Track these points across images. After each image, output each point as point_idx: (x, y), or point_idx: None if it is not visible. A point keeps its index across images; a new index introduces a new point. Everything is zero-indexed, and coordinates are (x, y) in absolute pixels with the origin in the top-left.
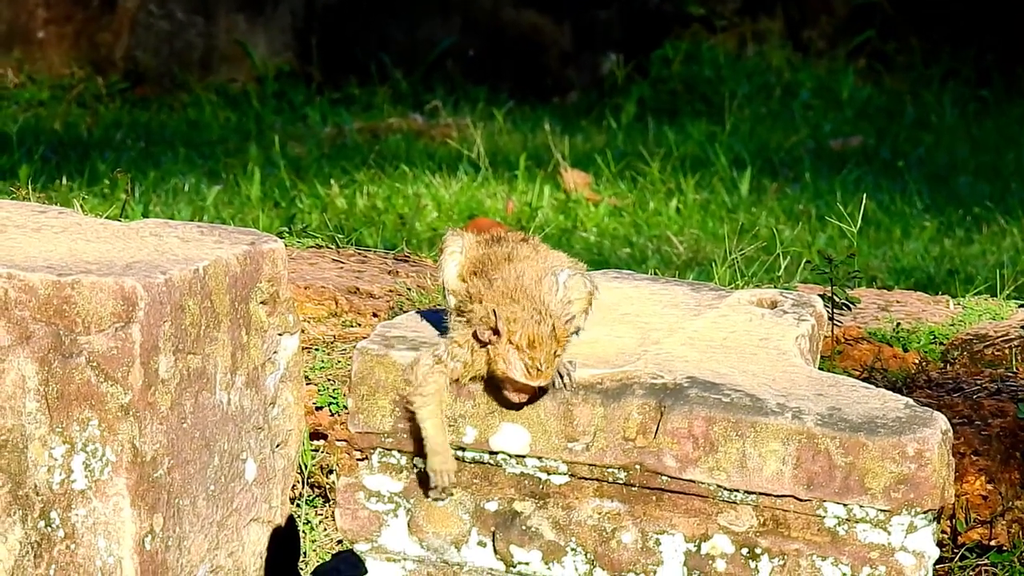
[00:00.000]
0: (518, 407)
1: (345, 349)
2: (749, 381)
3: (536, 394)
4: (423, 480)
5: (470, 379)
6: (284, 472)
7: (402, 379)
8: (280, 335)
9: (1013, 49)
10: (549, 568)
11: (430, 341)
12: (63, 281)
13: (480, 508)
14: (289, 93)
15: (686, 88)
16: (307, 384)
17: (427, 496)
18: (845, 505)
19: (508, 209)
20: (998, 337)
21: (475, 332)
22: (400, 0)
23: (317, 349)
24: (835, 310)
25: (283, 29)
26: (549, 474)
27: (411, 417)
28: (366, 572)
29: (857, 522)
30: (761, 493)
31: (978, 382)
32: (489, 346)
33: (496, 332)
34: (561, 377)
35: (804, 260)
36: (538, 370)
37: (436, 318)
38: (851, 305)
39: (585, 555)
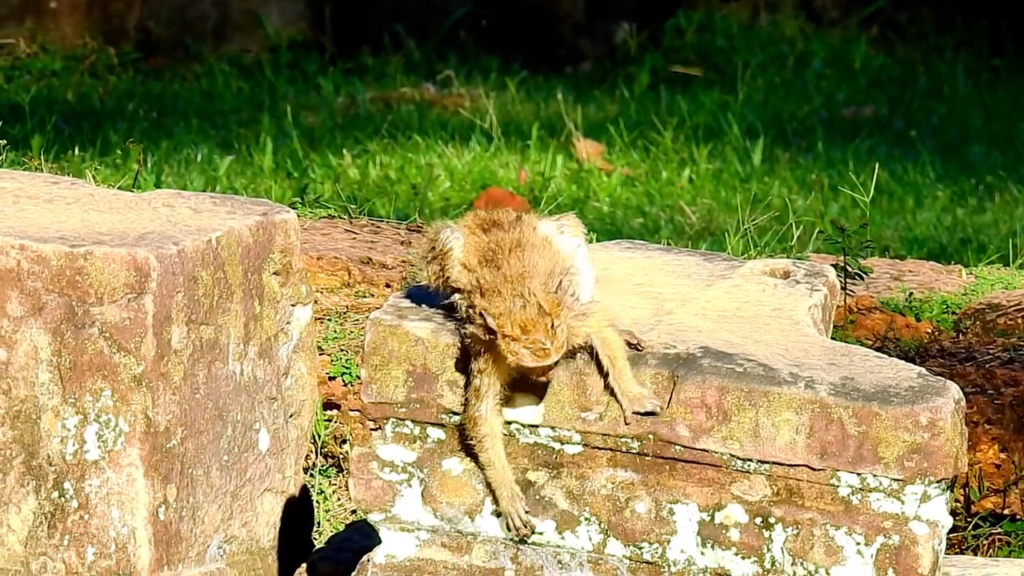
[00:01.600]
0: (545, 381)
1: (358, 319)
2: (762, 351)
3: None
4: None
5: (513, 379)
6: (297, 442)
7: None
8: (293, 306)
9: None
10: (563, 537)
11: (443, 313)
12: (76, 252)
13: None
14: (302, 63)
15: (699, 57)
16: (320, 354)
17: (510, 539)
18: (859, 474)
19: (520, 179)
20: (1011, 306)
21: (478, 337)
22: None
23: (330, 319)
24: (848, 280)
25: None
26: (562, 444)
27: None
28: (380, 542)
29: (871, 491)
30: (774, 463)
31: (991, 351)
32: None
33: (492, 332)
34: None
35: (817, 230)
36: (543, 349)
37: None
38: (864, 275)
39: (599, 524)
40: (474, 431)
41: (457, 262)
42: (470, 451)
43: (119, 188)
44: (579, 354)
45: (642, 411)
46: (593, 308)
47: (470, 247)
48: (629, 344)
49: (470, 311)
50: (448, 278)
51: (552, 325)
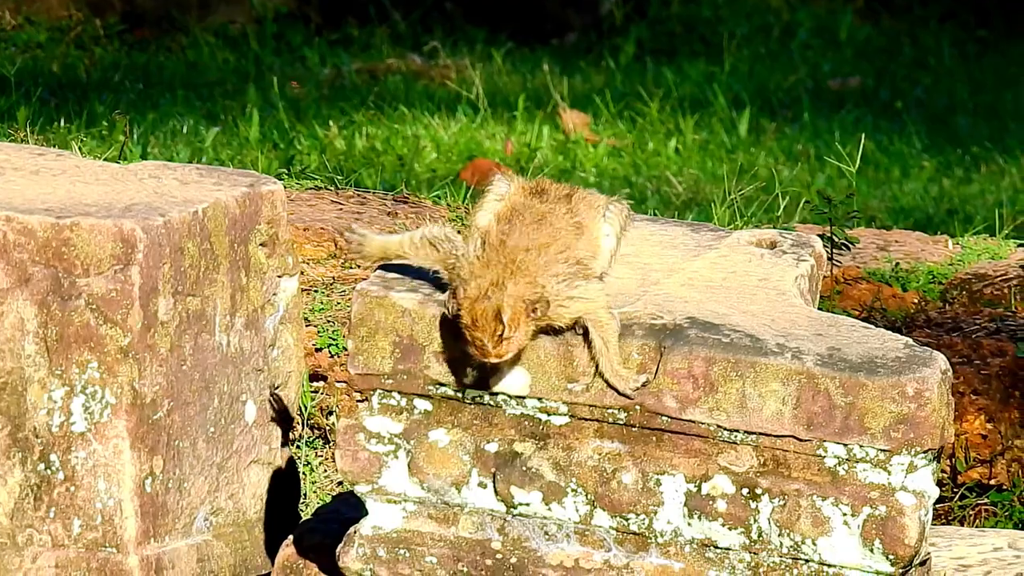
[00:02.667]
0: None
1: (344, 291)
2: (749, 321)
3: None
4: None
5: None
6: (284, 413)
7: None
8: (279, 277)
9: None
10: (550, 509)
11: (429, 283)
12: (62, 223)
13: (480, 449)
14: (288, 34)
15: (685, 28)
16: (306, 326)
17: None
18: (845, 445)
19: (507, 150)
20: (997, 276)
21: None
22: None
23: (316, 291)
24: (834, 250)
25: None
26: (549, 415)
27: None
28: (367, 513)
29: (857, 462)
30: (761, 433)
31: (977, 321)
32: None
33: (454, 311)
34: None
35: (803, 200)
36: (483, 350)
37: None
38: (850, 245)
39: (585, 496)
40: None
41: (492, 209)
42: None
43: (105, 160)
44: (569, 331)
45: (628, 390)
46: (590, 291)
47: (510, 203)
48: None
49: (454, 275)
50: (475, 221)
51: (500, 335)
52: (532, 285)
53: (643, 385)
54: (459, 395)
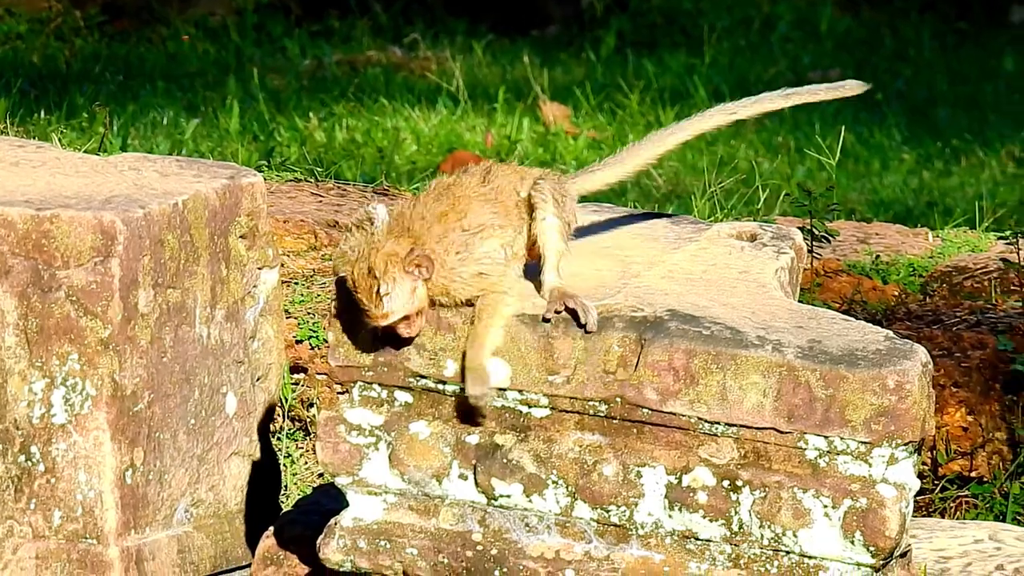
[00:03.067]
0: (403, 340)
1: (325, 283)
2: (729, 314)
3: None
4: None
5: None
6: (264, 406)
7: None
8: (259, 269)
9: None
10: (530, 500)
11: None
12: (42, 215)
13: (461, 441)
14: (268, 25)
15: (666, 20)
16: (287, 318)
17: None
18: (826, 437)
19: (487, 142)
20: (977, 269)
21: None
22: None
23: (296, 283)
24: (814, 243)
25: None
26: (530, 407)
27: None
28: (347, 505)
29: (838, 454)
30: (742, 425)
31: (958, 314)
32: None
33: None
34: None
35: (783, 193)
36: (366, 312)
37: None
38: (830, 238)
39: (566, 488)
40: None
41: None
42: None
43: (85, 151)
44: (545, 315)
45: (471, 392)
46: (497, 270)
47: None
48: (578, 323)
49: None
50: None
51: (377, 290)
52: (412, 244)
53: (483, 396)
54: (440, 387)
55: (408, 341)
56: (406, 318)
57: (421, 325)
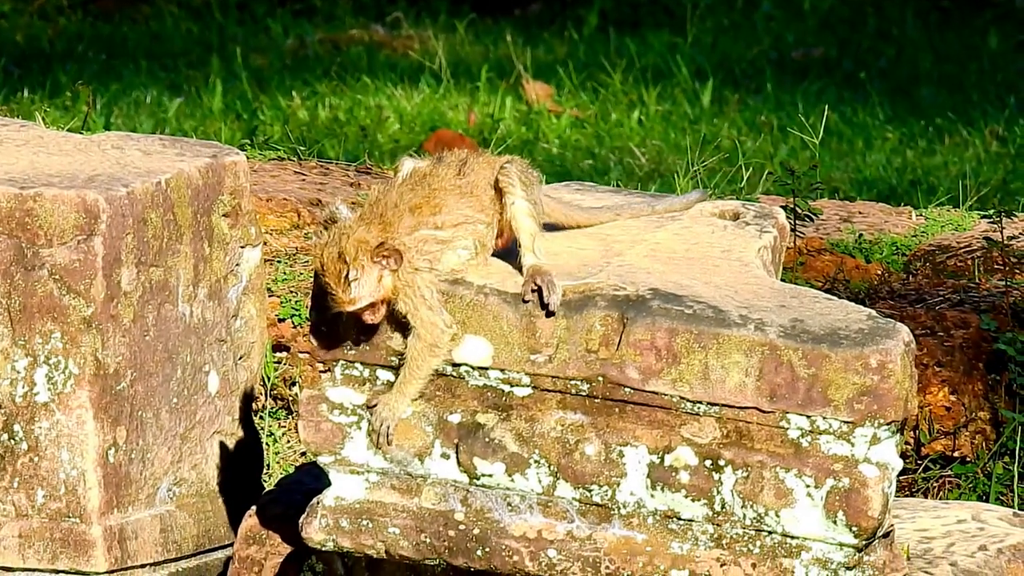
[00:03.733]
0: (367, 326)
1: (307, 261)
2: (712, 293)
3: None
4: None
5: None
6: (247, 384)
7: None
8: (242, 247)
9: None
10: (512, 480)
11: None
12: (25, 194)
13: (443, 420)
14: (251, 4)
15: None
16: (269, 296)
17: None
18: (808, 417)
19: (470, 121)
20: (960, 248)
21: None
22: None
23: (279, 261)
24: (797, 221)
25: None
26: (512, 386)
27: None
28: (329, 484)
29: (820, 434)
30: (724, 405)
31: (941, 293)
32: None
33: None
34: (536, 292)
35: (766, 171)
36: (332, 296)
37: None
38: (813, 216)
39: (548, 467)
40: None
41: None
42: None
43: (68, 130)
44: (524, 296)
45: (374, 422)
46: (433, 306)
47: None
48: (542, 303)
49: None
50: None
51: (346, 276)
52: (383, 233)
53: (388, 443)
54: (438, 369)
55: (373, 328)
56: (371, 305)
57: (384, 313)
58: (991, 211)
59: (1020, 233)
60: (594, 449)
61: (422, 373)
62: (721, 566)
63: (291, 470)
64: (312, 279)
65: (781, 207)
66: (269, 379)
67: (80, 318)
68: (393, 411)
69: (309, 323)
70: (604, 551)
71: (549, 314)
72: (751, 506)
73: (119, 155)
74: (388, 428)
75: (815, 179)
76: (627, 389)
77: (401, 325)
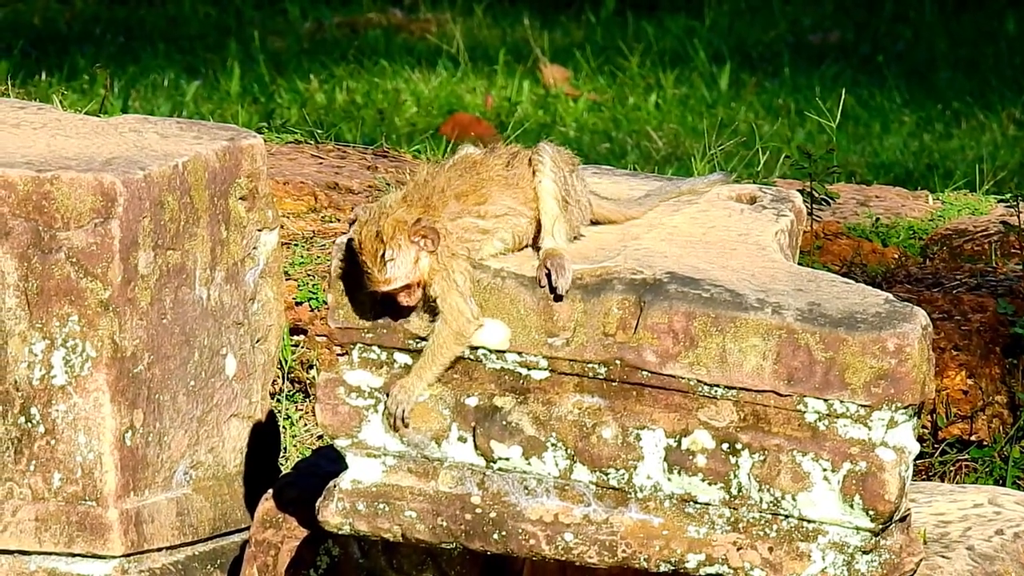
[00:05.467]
0: (401, 308)
1: (324, 244)
2: (729, 276)
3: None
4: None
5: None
6: (264, 367)
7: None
8: (259, 231)
9: None
10: (529, 463)
11: None
12: (42, 177)
13: (460, 403)
14: None
15: None
16: (287, 279)
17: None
18: (826, 400)
19: (487, 104)
20: (977, 232)
21: None
22: None
23: (296, 244)
24: (814, 205)
25: None
26: (529, 369)
27: None
28: (346, 468)
29: (838, 417)
30: (741, 388)
31: (958, 277)
32: None
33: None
34: (548, 275)
35: (783, 155)
36: (368, 275)
37: None
38: (830, 200)
39: (565, 450)
40: None
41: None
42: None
43: (86, 113)
44: (540, 281)
45: (390, 405)
46: (464, 291)
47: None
48: (550, 285)
49: None
50: None
51: (383, 255)
52: (422, 214)
53: (404, 425)
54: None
55: (407, 310)
56: (407, 287)
57: (420, 296)
58: (1008, 195)
59: None
60: (611, 432)
61: (443, 359)
62: (738, 550)
63: (308, 453)
64: (329, 261)
65: (798, 191)
66: (286, 362)
67: (97, 301)
68: (409, 394)
69: (326, 306)
70: (621, 535)
71: (557, 298)
72: (768, 490)
73: (136, 138)
74: (404, 411)
75: (832, 163)
76: (644, 372)
77: (426, 309)
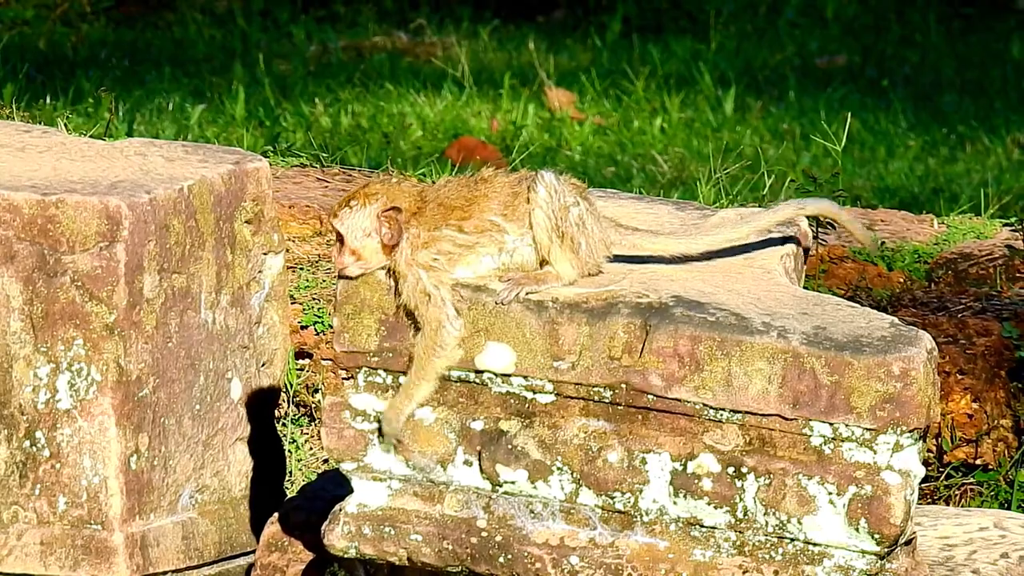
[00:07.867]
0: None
1: (330, 268)
2: (734, 300)
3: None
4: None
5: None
6: (269, 391)
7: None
8: (265, 254)
9: None
10: (535, 487)
11: None
12: (47, 200)
13: (466, 427)
14: (274, 11)
15: (671, 5)
16: (292, 303)
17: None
18: (831, 424)
19: (493, 128)
20: (982, 256)
21: None
22: None
23: (302, 268)
24: (819, 229)
25: None
26: (535, 393)
27: None
28: (352, 491)
29: (843, 441)
30: (747, 412)
31: (963, 301)
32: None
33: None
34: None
35: (789, 179)
36: (333, 258)
37: None
38: (835, 224)
39: (571, 474)
40: None
41: None
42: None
43: (91, 136)
44: (549, 304)
45: (386, 429)
46: (436, 303)
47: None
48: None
49: None
50: None
51: (349, 202)
52: (414, 216)
53: (398, 442)
54: (445, 373)
55: (346, 276)
56: (352, 250)
57: (361, 273)
58: (1013, 219)
59: None
60: (617, 456)
61: (426, 374)
62: (743, 573)
63: (313, 477)
64: (334, 285)
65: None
66: (292, 386)
67: (102, 325)
68: (398, 413)
69: (332, 329)
70: (626, 558)
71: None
72: (773, 513)
73: (142, 161)
74: (395, 431)
75: (837, 186)
76: (650, 396)
77: (414, 328)
